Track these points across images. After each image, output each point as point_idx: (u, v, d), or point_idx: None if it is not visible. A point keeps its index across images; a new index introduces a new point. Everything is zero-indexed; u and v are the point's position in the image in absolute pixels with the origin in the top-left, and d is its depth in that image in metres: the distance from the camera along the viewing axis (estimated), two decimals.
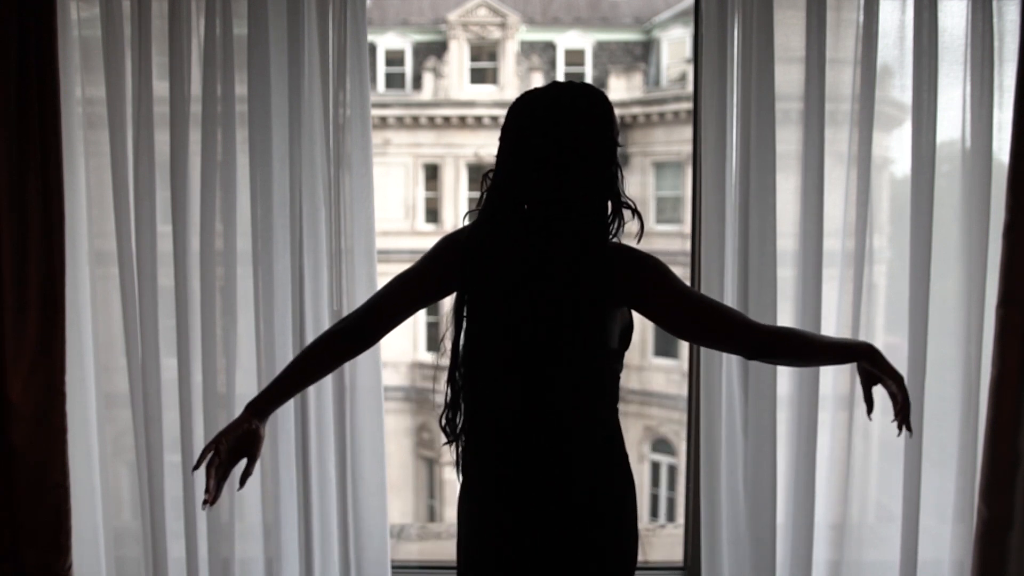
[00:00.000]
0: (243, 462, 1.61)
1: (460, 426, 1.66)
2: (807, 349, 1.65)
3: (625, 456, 1.66)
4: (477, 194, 1.65)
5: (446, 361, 1.65)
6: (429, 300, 1.67)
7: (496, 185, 1.60)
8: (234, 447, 1.58)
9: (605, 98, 1.59)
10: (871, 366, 1.61)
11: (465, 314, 1.62)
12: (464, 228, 1.65)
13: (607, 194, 1.58)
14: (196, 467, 1.59)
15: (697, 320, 1.59)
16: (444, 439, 1.68)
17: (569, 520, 1.58)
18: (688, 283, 1.66)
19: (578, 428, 1.60)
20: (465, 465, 1.67)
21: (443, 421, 1.67)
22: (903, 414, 1.62)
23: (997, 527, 2.37)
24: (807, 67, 2.35)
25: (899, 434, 1.67)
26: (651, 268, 1.58)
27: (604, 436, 1.63)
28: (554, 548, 1.58)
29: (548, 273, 1.56)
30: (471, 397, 1.64)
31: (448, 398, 1.66)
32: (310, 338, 2.46)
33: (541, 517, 1.58)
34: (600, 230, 1.58)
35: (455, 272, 1.62)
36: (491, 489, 1.62)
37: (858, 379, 1.68)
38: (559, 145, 1.54)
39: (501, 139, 1.61)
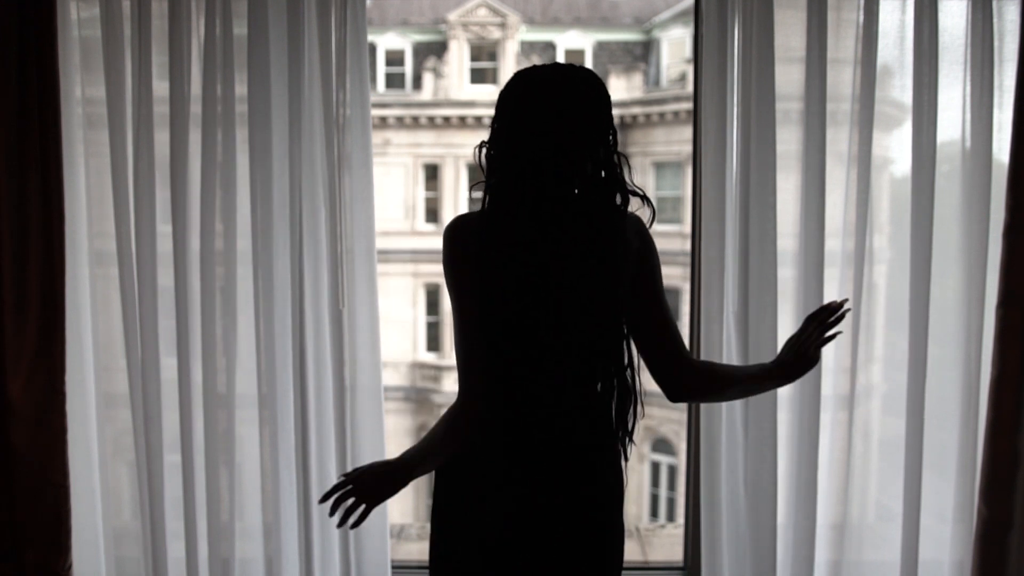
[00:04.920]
0: (362, 507, 1.57)
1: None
2: (727, 374, 1.70)
3: (617, 449, 1.65)
4: (476, 194, 1.64)
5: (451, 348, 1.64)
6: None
7: (499, 159, 1.59)
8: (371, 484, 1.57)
9: (601, 82, 1.60)
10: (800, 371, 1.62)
11: (479, 302, 1.57)
12: (470, 215, 1.61)
13: (605, 168, 1.57)
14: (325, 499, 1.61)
15: (648, 322, 1.61)
16: None
17: (567, 510, 1.58)
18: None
19: (589, 416, 1.61)
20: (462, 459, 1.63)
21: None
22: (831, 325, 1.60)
23: (997, 527, 2.37)
24: (807, 67, 2.35)
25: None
26: (651, 252, 1.61)
27: (604, 424, 1.64)
28: (547, 536, 1.57)
29: (565, 255, 1.55)
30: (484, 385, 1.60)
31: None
32: (310, 338, 2.46)
33: (540, 508, 1.57)
34: (608, 205, 1.58)
35: (471, 257, 1.58)
36: (490, 477, 1.60)
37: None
38: (560, 114, 1.54)
39: (498, 112, 1.61)
